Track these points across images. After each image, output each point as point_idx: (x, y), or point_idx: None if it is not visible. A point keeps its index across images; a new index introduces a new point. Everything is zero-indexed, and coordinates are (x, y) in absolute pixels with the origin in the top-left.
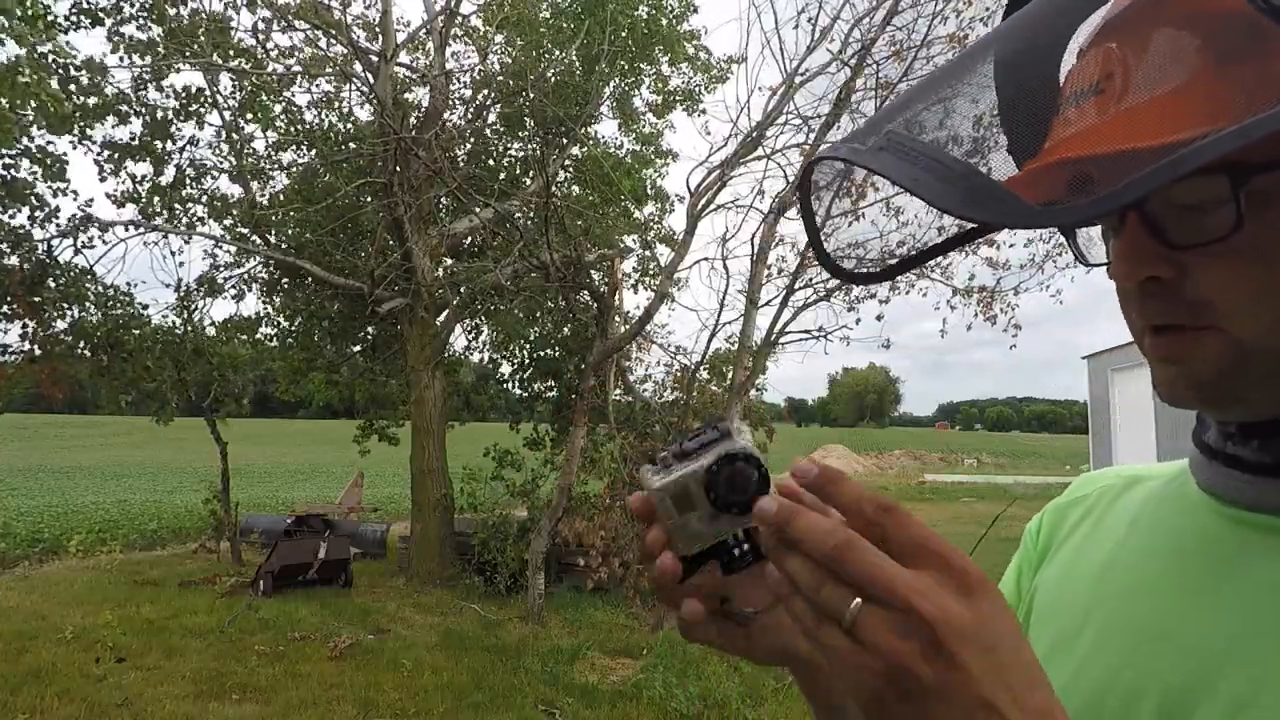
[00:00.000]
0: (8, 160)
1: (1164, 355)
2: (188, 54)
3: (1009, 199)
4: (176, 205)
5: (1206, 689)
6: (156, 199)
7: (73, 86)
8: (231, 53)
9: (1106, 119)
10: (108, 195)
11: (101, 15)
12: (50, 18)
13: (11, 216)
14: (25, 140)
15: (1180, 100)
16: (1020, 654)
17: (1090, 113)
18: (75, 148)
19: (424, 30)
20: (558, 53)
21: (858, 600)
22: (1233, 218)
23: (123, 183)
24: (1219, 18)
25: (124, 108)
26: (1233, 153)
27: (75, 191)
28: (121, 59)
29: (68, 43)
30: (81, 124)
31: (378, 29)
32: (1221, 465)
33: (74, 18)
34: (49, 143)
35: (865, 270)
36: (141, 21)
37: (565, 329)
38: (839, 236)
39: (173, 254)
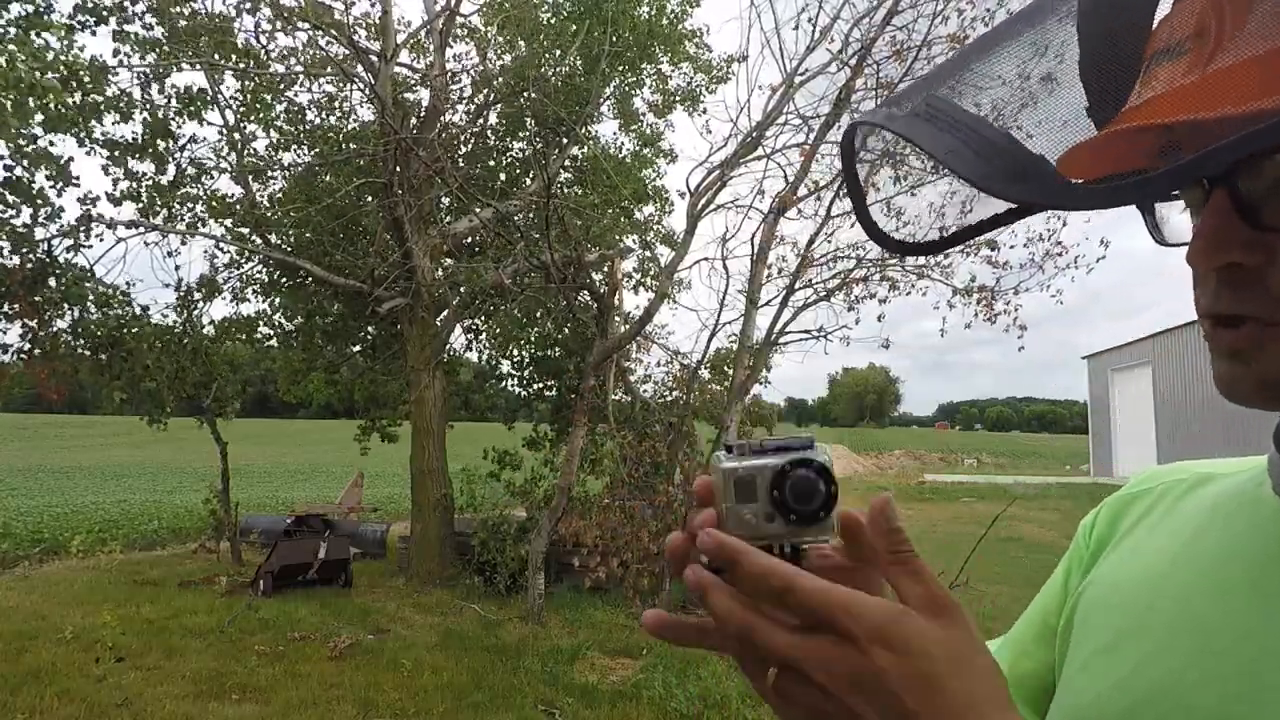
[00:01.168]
0: (8, 161)
1: (1232, 349)
2: (191, 53)
3: (1045, 177)
4: (176, 205)
5: (1261, 696)
6: (157, 198)
7: (73, 83)
8: (234, 55)
9: (1189, 82)
10: (107, 195)
11: (105, 14)
12: (49, 13)
13: (12, 217)
14: (25, 140)
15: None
16: (948, 690)
17: (1179, 71)
18: (81, 145)
19: (424, 30)
20: (558, 52)
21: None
22: None
23: (123, 181)
24: None
25: (124, 105)
26: None
27: (81, 189)
28: (126, 57)
29: (72, 41)
30: (83, 124)
31: (378, 29)
32: None
33: (80, 18)
34: (51, 143)
35: (914, 240)
36: (146, 21)
37: (565, 329)
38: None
39: (169, 255)
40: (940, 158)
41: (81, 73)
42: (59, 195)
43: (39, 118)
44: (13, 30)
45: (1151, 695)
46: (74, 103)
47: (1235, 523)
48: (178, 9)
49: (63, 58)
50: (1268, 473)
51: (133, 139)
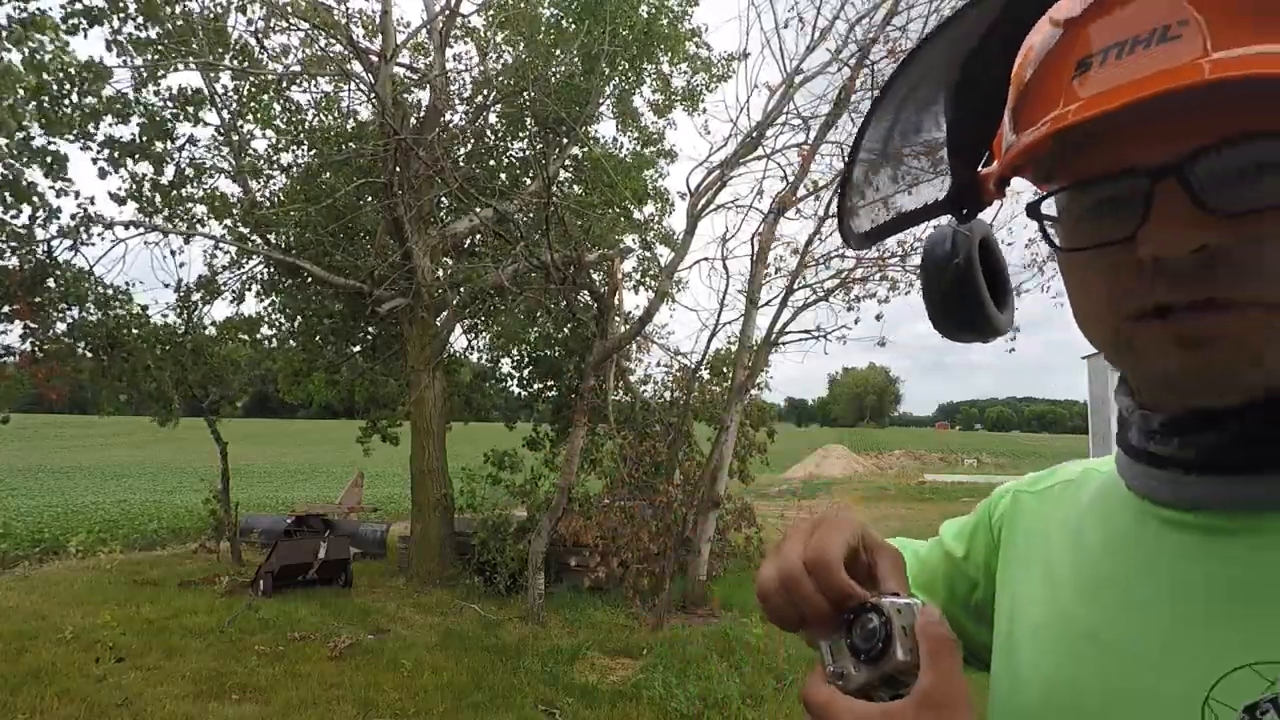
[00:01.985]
0: (9, 160)
1: (1192, 334)
2: (185, 52)
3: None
4: (176, 205)
5: (1139, 691)
6: (157, 197)
7: (69, 86)
8: (229, 55)
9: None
10: (110, 194)
11: (98, 15)
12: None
13: (14, 217)
14: (20, 143)
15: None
16: None
17: (1172, 54)
18: (76, 143)
19: (424, 30)
20: (558, 52)
21: None
22: None
23: (124, 180)
24: None
25: (121, 106)
26: None
27: (78, 192)
28: (122, 59)
29: (66, 44)
30: (80, 126)
31: (378, 28)
32: (1145, 465)
33: (72, 20)
34: (50, 142)
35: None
36: (139, 22)
37: (565, 329)
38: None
39: (173, 253)
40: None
41: (78, 73)
42: (57, 196)
43: (36, 124)
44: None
45: (1042, 696)
46: (71, 103)
47: (1098, 521)
48: (169, 9)
49: (60, 58)
50: (1119, 473)
51: (130, 140)
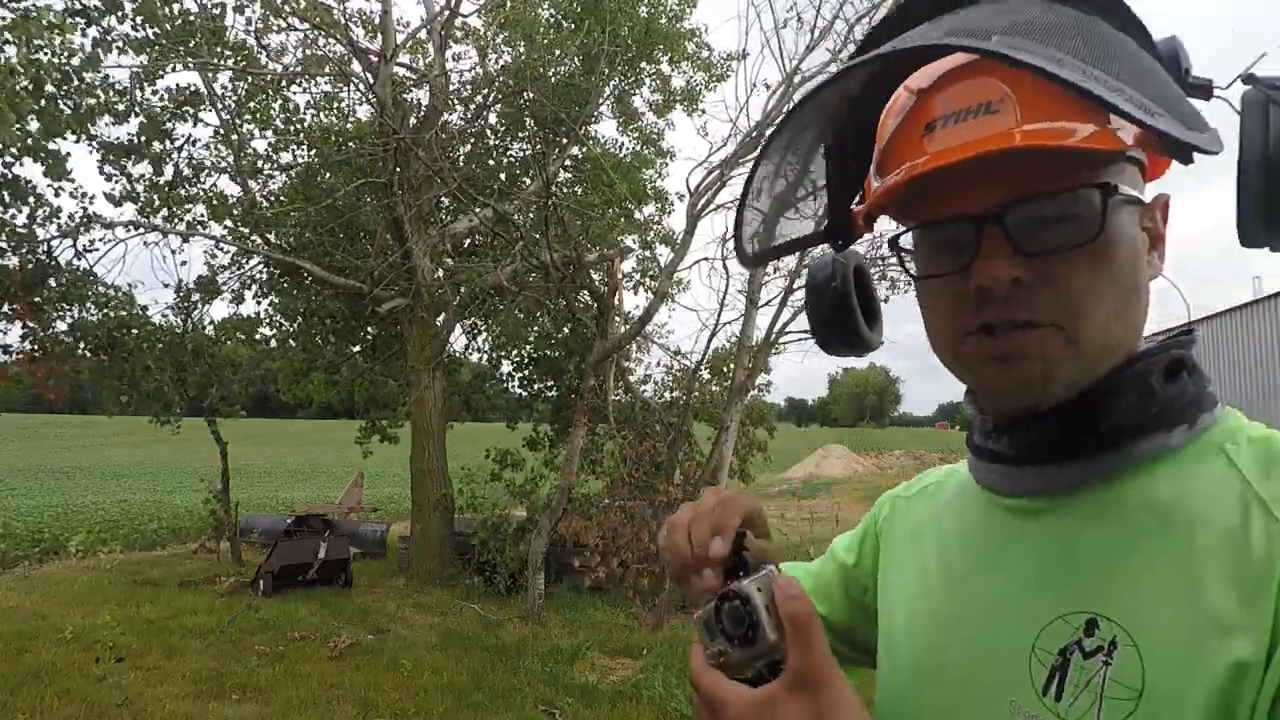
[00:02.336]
0: (9, 159)
1: (999, 353)
2: (183, 52)
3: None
4: (175, 205)
5: (986, 650)
6: (155, 198)
7: (66, 88)
8: (227, 52)
9: (1013, 130)
10: (105, 195)
11: (94, 14)
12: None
13: (12, 217)
14: (18, 141)
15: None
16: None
17: (992, 124)
18: (77, 141)
19: (424, 31)
20: (558, 52)
21: None
22: (1095, 227)
23: (119, 182)
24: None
25: (120, 106)
26: (1103, 175)
27: (82, 192)
28: (119, 55)
29: (64, 41)
30: (77, 125)
31: (378, 28)
32: (987, 461)
33: (69, 18)
34: (49, 141)
35: (755, 252)
36: (136, 22)
37: (565, 329)
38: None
39: (173, 253)
40: (1076, 78)
41: (74, 72)
42: (56, 196)
43: (33, 121)
44: (8, 35)
45: (914, 675)
46: (69, 105)
47: (953, 516)
48: (167, 8)
49: (57, 59)
50: (970, 470)
51: (129, 140)
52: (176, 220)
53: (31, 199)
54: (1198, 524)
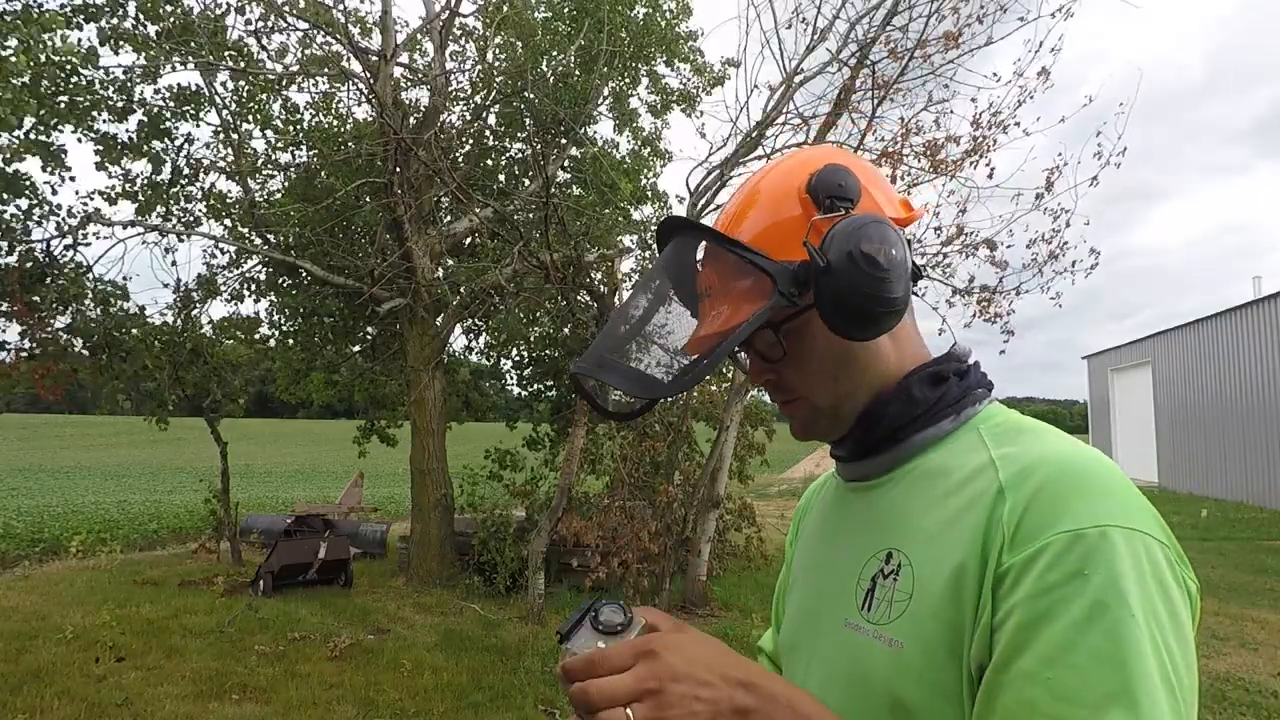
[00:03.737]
0: (8, 155)
1: (785, 414)
2: (184, 51)
3: (655, 383)
4: (173, 204)
5: (830, 585)
6: (154, 197)
7: (64, 83)
8: (228, 52)
9: (709, 316)
10: (100, 193)
11: (94, 13)
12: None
13: (11, 217)
14: (24, 132)
15: (734, 300)
16: (702, 653)
17: (708, 307)
18: (79, 140)
19: (423, 31)
20: (555, 53)
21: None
22: (781, 349)
23: (116, 180)
24: (734, 263)
25: (119, 104)
26: (771, 316)
27: (74, 181)
28: (119, 54)
29: (64, 36)
30: (74, 122)
31: (375, 26)
32: (840, 463)
33: (69, 15)
34: (46, 133)
35: (621, 411)
36: (136, 20)
37: (565, 329)
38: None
39: (166, 252)
40: (618, 386)
41: (73, 69)
42: (54, 193)
43: (30, 120)
44: (13, 39)
45: (798, 619)
46: (65, 100)
47: (824, 502)
48: (168, 6)
49: (57, 56)
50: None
51: (127, 139)
52: (176, 220)
53: (28, 195)
54: (953, 476)
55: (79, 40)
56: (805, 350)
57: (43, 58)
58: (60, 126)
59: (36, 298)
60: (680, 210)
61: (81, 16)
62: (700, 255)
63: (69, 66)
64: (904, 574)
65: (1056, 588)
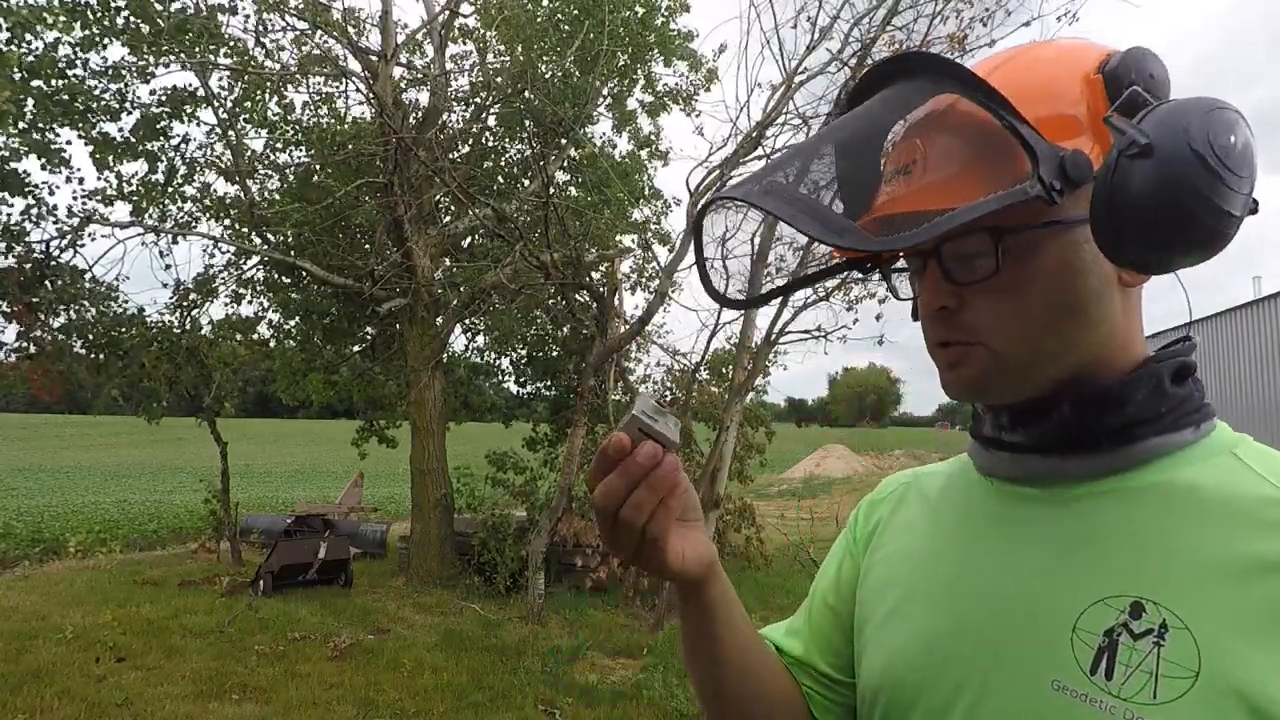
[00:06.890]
0: (6, 154)
1: (947, 363)
2: (179, 50)
3: (855, 231)
4: (170, 204)
5: (1017, 626)
6: (147, 197)
7: (60, 83)
8: (224, 51)
9: (912, 190)
10: (93, 193)
11: (88, 13)
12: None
13: (10, 218)
14: (22, 129)
15: (957, 181)
16: None
17: (902, 186)
18: (80, 138)
19: (423, 31)
20: (554, 54)
21: None
22: (993, 264)
23: (110, 181)
24: (978, 129)
25: (114, 103)
26: (989, 217)
27: (81, 178)
28: (108, 50)
29: (58, 38)
30: (73, 120)
31: (374, 26)
32: (995, 450)
33: (60, 16)
34: (48, 128)
35: (741, 297)
36: (129, 19)
37: (565, 329)
38: (727, 266)
39: (162, 254)
40: (788, 220)
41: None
42: (51, 194)
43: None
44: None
45: (928, 643)
46: (65, 99)
47: (953, 504)
48: (160, 5)
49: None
50: (969, 460)
51: (123, 139)
52: (173, 221)
53: (26, 195)
54: (1229, 506)
55: (68, 35)
56: (1024, 276)
57: (37, 54)
58: (58, 125)
59: (35, 299)
60: (680, 211)
61: (74, 19)
62: (923, 113)
63: (60, 61)
64: (1175, 641)
65: None
